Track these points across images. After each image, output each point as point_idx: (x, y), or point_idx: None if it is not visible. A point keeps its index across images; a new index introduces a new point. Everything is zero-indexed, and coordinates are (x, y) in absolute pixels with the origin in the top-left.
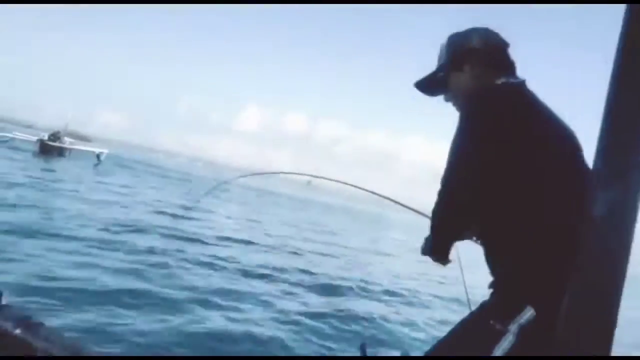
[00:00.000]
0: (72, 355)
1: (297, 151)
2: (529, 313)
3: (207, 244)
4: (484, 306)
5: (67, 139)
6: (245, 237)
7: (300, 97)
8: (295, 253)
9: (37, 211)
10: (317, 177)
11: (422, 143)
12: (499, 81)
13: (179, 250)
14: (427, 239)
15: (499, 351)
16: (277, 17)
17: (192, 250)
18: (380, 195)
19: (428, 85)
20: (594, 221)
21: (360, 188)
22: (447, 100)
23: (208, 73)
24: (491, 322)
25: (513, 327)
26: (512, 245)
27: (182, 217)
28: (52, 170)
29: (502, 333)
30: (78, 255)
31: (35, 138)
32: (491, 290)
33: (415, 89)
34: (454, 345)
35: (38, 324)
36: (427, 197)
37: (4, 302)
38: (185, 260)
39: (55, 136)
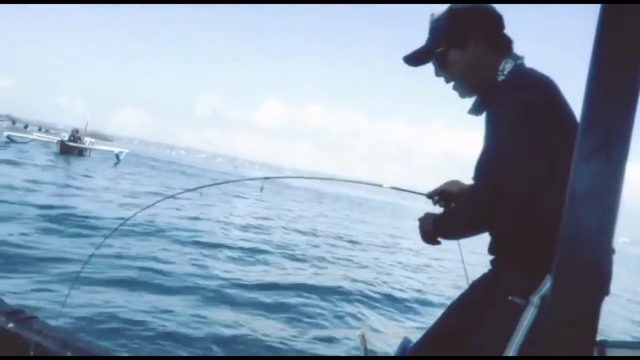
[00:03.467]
0: (64, 346)
1: (316, 144)
2: (550, 282)
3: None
4: (481, 283)
5: (87, 139)
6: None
7: (318, 90)
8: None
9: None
10: (270, 178)
11: (441, 131)
12: (505, 63)
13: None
14: (451, 220)
15: (522, 328)
16: (292, 12)
17: None
18: (350, 181)
19: (419, 59)
20: (576, 195)
21: (323, 179)
22: (438, 75)
23: (227, 71)
24: (509, 298)
25: (535, 299)
26: (532, 218)
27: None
28: (70, 171)
29: (523, 307)
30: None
31: (56, 139)
32: (493, 267)
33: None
34: (469, 328)
35: (31, 317)
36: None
37: None
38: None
39: (74, 136)
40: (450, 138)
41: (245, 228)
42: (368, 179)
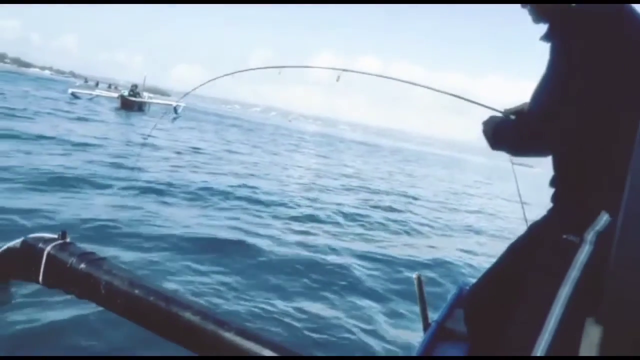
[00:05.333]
0: (131, 285)
1: (371, 98)
2: (604, 218)
3: None
4: (539, 225)
5: (145, 94)
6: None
7: (372, 42)
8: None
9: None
10: (347, 70)
11: (501, 83)
12: None
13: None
14: (505, 133)
15: (577, 265)
16: None
17: None
18: (437, 90)
19: None
20: None
21: (409, 82)
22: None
23: (279, 26)
24: (564, 236)
25: (589, 236)
26: (587, 151)
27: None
28: (135, 126)
29: (578, 245)
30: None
31: (116, 94)
32: (551, 201)
33: None
34: (524, 268)
35: (101, 259)
36: None
37: (68, 239)
38: None
39: (134, 91)
40: (510, 89)
41: (318, 189)
42: (423, 131)
